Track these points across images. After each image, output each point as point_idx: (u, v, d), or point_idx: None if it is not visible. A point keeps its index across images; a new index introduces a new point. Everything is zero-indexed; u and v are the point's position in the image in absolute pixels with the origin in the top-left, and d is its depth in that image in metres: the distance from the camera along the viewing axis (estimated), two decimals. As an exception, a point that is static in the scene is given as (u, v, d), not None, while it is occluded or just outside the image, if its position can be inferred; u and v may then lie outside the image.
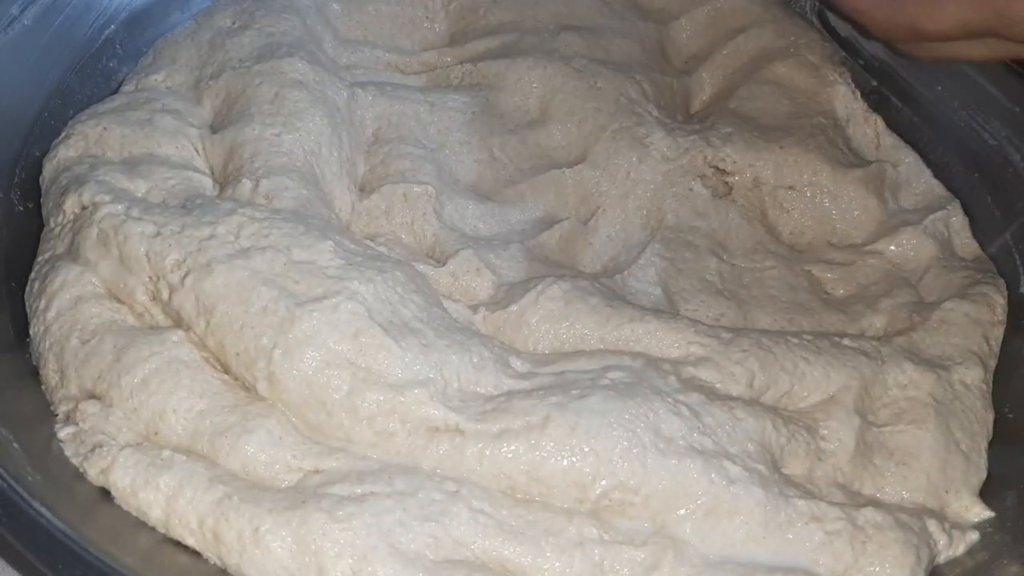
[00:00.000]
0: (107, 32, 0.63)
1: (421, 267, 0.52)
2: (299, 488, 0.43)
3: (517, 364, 0.49)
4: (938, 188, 0.64)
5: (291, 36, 0.60)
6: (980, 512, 0.51)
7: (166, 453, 0.43)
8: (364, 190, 0.57)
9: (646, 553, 0.43)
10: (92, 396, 0.46)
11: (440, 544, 0.42)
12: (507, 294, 0.52)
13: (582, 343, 0.51)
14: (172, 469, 0.43)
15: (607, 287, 0.53)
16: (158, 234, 0.48)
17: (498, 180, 0.59)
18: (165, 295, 0.47)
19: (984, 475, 0.52)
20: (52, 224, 0.52)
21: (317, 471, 0.44)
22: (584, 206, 0.60)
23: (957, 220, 0.63)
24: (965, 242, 0.63)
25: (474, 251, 0.53)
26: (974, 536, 0.49)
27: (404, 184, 0.55)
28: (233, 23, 0.61)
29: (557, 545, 0.43)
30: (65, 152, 0.54)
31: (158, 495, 0.43)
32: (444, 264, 0.53)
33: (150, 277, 0.48)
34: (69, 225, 0.50)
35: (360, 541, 0.41)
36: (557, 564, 0.43)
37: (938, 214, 0.62)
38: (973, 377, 0.54)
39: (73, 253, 0.49)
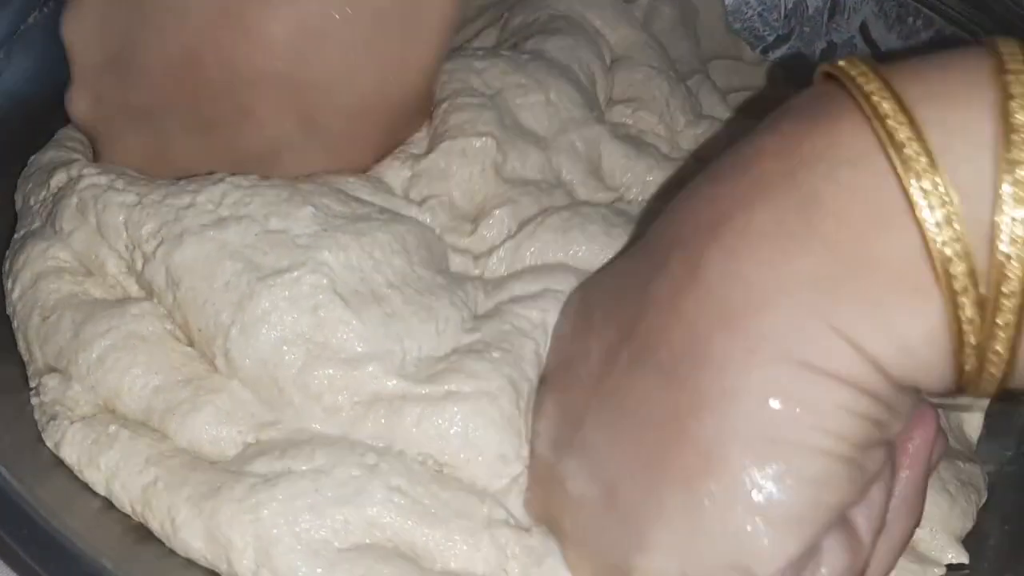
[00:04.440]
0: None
1: (451, 237, 0.50)
2: (226, 466, 0.41)
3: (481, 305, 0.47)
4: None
5: None
6: (956, 556, 0.46)
7: (112, 428, 0.42)
8: (426, 152, 0.54)
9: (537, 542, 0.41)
10: (54, 371, 0.45)
11: (350, 529, 0.40)
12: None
13: None
14: (113, 448, 0.42)
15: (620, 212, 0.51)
16: (139, 203, 0.46)
17: (552, 127, 0.56)
18: (139, 266, 0.46)
19: (970, 526, 0.47)
20: (32, 202, 0.51)
21: (256, 442, 0.42)
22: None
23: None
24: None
25: (511, 208, 0.51)
26: (939, 572, 0.45)
27: (463, 139, 0.52)
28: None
29: (467, 528, 0.40)
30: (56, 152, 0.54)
31: (99, 475, 0.42)
32: (476, 229, 0.51)
33: (126, 247, 0.46)
34: (51, 199, 0.49)
35: (264, 532, 0.39)
36: (465, 548, 0.40)
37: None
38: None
39: (47, 227, 0.48)
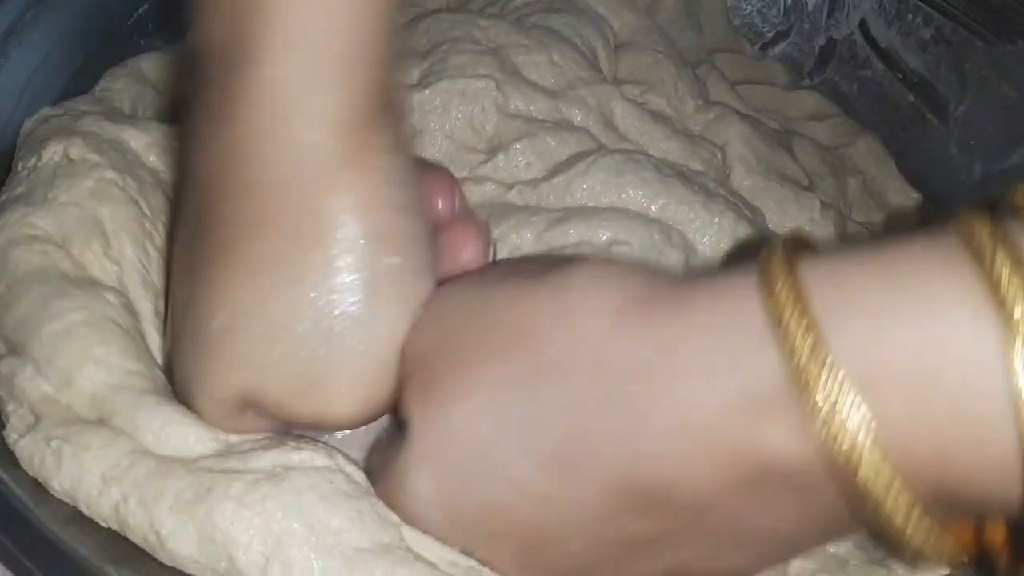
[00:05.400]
0: (141, 9, 0.64)
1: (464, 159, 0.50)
2: (211, 465, 0.36)
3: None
4: None
5: None
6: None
7: (54, 444, 0.36)
8: (419, 85, 0.52)
9: None
10: (12, 350, 0.39)
11: (364, 519, 0.38)
12: (556, 167, 0.49)
13: None
14: (60, 469, 0.36)
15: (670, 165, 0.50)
16: (159, 257, 0.43)
17: (558, 84, 0.54)
18: (131, 281, 0.42)
19: None
20: (20, 168, 0.45)
21: (255, 438, 0.37)
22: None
23: None
24: None
25: (529, 140, 0.49)
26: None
27: (463, 79, 0.50)
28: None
29: None
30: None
31: (61, 495, 0.36)
32: (494, 156, 0.49)
33: (122, 253, 0.42)
34: (47, 167, 0.44)
35: (275, 524, 0.34)
36: None
37: None
38: None
39: (35, 194, 0.43)
